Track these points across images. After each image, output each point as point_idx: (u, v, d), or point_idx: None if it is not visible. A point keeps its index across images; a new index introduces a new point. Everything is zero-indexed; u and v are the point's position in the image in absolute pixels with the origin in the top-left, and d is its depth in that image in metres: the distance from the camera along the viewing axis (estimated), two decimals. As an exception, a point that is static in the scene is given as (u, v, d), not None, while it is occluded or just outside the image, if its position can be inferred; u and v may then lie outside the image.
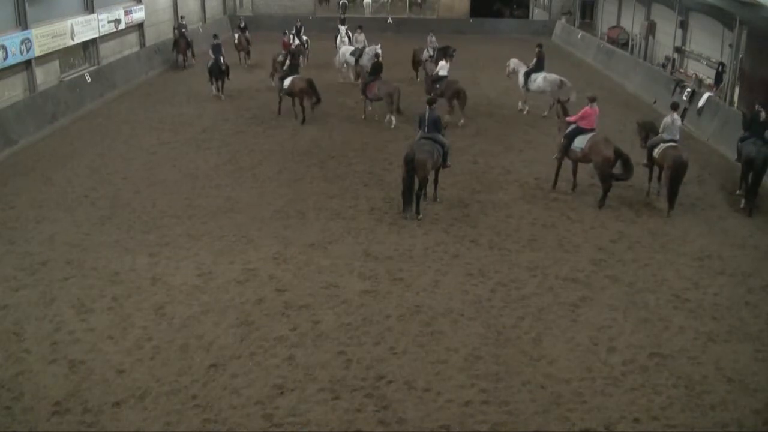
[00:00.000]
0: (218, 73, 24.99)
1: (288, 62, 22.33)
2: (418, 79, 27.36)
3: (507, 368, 9.58)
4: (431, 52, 26.71)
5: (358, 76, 26.22)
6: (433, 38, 28.03)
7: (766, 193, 16.38)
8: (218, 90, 25.20)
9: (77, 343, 10.05)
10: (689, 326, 10.69)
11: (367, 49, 26.29)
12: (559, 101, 17.74)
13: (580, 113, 15.79)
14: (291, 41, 28.39)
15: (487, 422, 8.53)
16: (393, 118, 21.08)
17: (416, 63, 27.90)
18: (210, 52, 25.29)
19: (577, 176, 16.15)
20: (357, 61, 26.57)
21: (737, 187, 16.16)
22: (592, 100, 15.79)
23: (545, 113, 22.52)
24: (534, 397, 8.99)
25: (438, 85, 21.34)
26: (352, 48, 27.37)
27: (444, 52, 24.96)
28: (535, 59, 22.78)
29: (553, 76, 22.33)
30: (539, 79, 22.45)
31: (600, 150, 15.01)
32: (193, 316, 10.82)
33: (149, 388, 9.05)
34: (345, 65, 27.54)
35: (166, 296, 11.39)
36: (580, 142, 15.40)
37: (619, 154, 14.85)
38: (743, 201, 15.22)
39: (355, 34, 28.37)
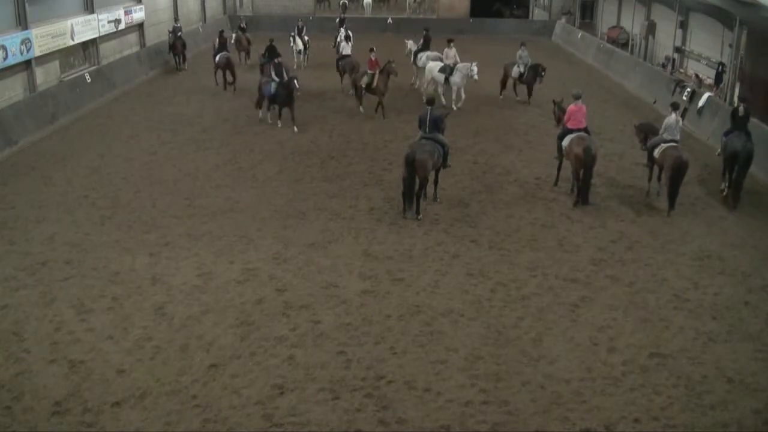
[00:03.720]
0: (285, 99, 20.55)
1: (218, 42, 26.41)
2: (501, 97, 25.08)
3: (507, 368, 9.58)
4: (522, 69, 24.12)
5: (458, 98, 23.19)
6: (525, 52, 24.26)
7: (765, 191, 16.44)
8: (278, 117, 21.14)
9: (77, 343, 10.05)
10: (689, 326, 10.69)
11: (459, 66, 22.98)
12: (554, 102, 17.77)
13: (566, 114, 15.85)
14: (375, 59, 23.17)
15: (487, 422, 8.52)
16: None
17: (505, 80, 24.94)
18: (272, 73, 21.03)
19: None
20: (447, 79, 23.24)
21: (721, 181, 16.25)
22: (576, 97, 15.75)
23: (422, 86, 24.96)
24: (534, 397, 8.98)
25: (341, 62, 25.41)
26: (440, 64, 23.70)
27: (535, 71, 23.86)
28: (422, 40, 26.63)
29: (434, 54, 25.32)
30: (423, 57, 25.75)
31: (572, 148, 15.12)
32: (193, 316, 10.81)
33: (149, 388, 9.04)
34: (431, 83, 24.04)
35: (166, 296, 11.39)
36: (566, 142, 15.50)
37: (587, 152, 14.82)
38: (725, 189, 15.58)
39: (446, 49, 23.78)
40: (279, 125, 21.07)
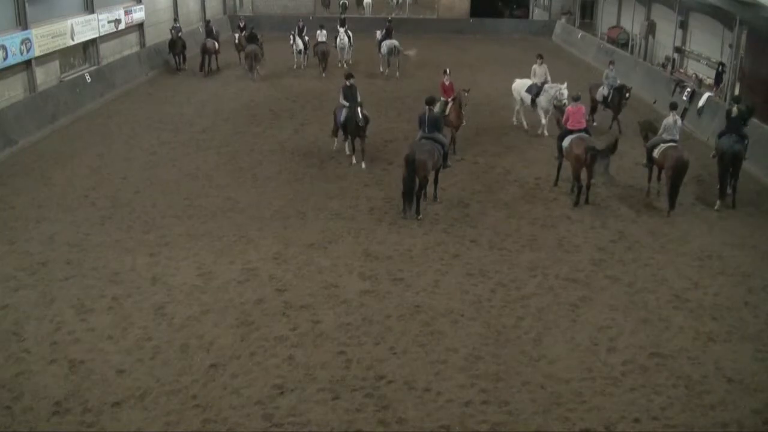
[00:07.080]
0: (355, 129, 17.41)
1: (204, 31, 30.29)
2: (595, 124, 20.80)
3: (507, 368, 9.58)
4: (606, 92, 20.96)
5: (555, 121, 18.66)
6: (614, 72, 21.36)
7: (765, 191, 16.44)
8: (352, 150, 18.01)
9: (77, 343, 10.05)
10: (689, 326, 10.69)
11: (546, 86, 20.00)
12: (554, 106, 17.80)
13: (565, 115, 16.03)
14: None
15: (487, 422, 8.53)
16: (252, 74, 28.19)
17: (594, 105, 21.43)
18: (340, 98, 17.61)
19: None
20: (534, 100, 20.36)
21: (718, 183, 16.23)
22: (575, 99, 15.97)
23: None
24: (534, 397, 8.98)
25: (315, 48, 29.42)
26: (528, 82, 20.70)
27: (619, 93, 20.68)
28: (384, 30, 29.61)
29: (390, 42, 28.79)
30: (383, 46, 29.13)
31: (572, 149, 15.19)
32: (193, 316, 10.81)
33: (149, 388, 9.05)
34: (520, 104, 21.24)
35: (166, 296, 11.39)
36: (566, 143, 15.55)
37: (592, 151, 14.87)
38: (717, 203, 15.26)
39: (534, 66, 20.68)
40: (353, 161, 17.81)
